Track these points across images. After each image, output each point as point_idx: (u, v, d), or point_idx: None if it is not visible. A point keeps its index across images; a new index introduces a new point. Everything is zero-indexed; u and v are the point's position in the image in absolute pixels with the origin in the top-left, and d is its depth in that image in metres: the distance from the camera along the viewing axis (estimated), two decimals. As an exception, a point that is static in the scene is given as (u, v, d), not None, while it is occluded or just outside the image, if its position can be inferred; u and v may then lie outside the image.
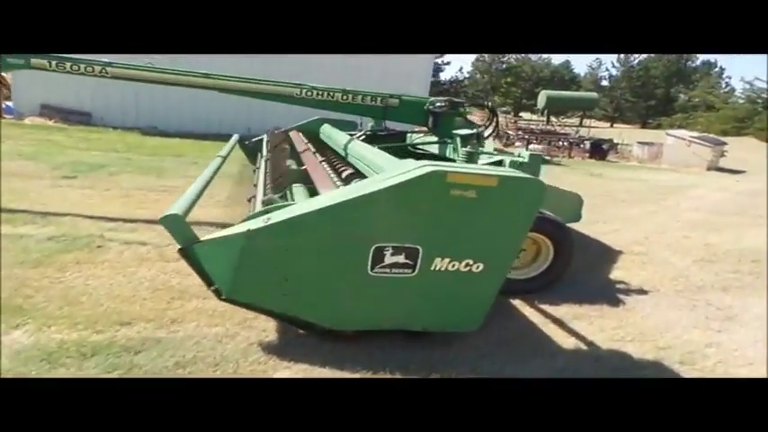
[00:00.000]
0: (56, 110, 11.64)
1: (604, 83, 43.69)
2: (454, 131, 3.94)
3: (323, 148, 5.27)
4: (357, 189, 2.38)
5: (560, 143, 15.95)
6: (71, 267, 3.32)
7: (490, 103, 4.98)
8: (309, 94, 4.85)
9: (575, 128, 19.74)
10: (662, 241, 5.76)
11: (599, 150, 14.78)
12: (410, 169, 2.36)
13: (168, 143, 10.51)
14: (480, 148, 3.79)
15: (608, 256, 5.01)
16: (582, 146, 15.82)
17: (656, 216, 7.31)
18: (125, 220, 4.53)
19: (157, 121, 12.42)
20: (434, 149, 5.28)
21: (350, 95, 4.91)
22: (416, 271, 2.40)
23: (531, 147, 15.26)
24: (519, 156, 3.95)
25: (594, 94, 19.64)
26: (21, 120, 11.25)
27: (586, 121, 22.53)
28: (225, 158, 4.23)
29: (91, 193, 5.50)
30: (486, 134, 5.09)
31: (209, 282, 2.33)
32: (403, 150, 5.57)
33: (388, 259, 2.39)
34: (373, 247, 2.37)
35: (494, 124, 5.08)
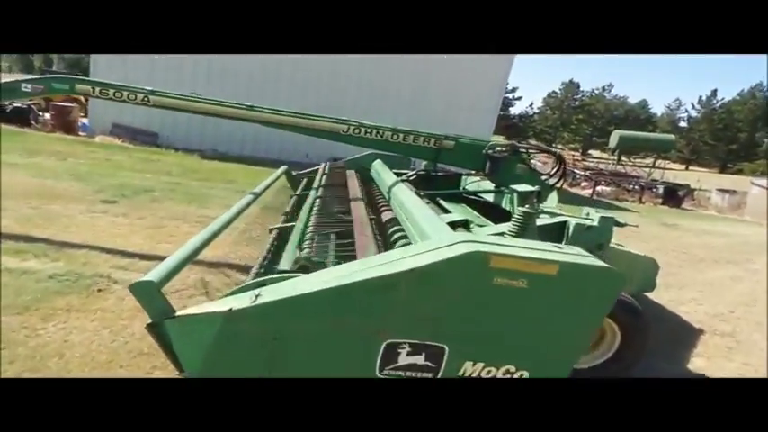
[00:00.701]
0: (125, 129, 11.94)
1: (683, 124, 41.24)
2: (512, 186, 3.37)
3: (372, 187, 4.81)
4: (370, 267, 1.84)
5: (631, 186, 14.78)
6: (58, 316, 2.96)
7: (557, 151, 4.34)
8: (357, 131, 4.41)
9: (647, 169, 18.46)
10: (751, 318, 4.84)
11: (673, 197, 13.53)
12: (442, 245, 1.81)
13: (224, 168, 10.46)
14: (541, 206, 3.18)
15: (685, 335, 4.18)
16: (654, 190, 14.59)
17: (741, 283, 6.31)
18: (143, 257, 4.22)
19: (220, 144, 12.50)
20: (489, 197, 4.69)
21: (400, 135, 4.43)
22: (438, 375, 1.82)
23: (598, 189, 14.27)
24: (587, 217, 3.30)
25: (672, 137, 18.23)
26: (92, 138, 11.61)
27: (660, 163, 21.06)
28: (258, 196, 3.80)
29: (122, 222, 5.28)
30: (551, 183, 4.49)
31: (178, 366, 1.83)
32: (456, 197, 5.03)
33: (403, 359, 1.82)
34: (385, 343, 1.80)
35: (560, 173, 4.45)
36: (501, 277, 1.75)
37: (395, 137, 4.40)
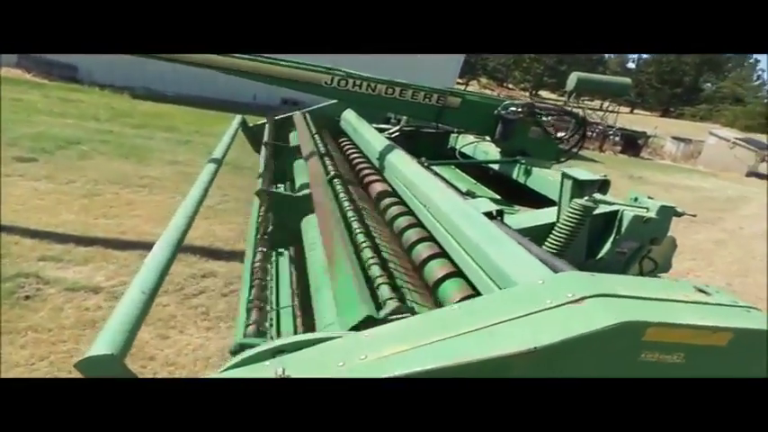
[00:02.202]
0: (36, 61, 10.15)
1: (631, 65, 41.54)
2: (566, 171, 2.75)
3: (344, 143, 4.00)
4: (448, 334, 1.17)
5: (590, 134, 14.59)
6: None
7: (580, 113, 3.73)
8: (343, 83, 3.56)
9: (599, 113, 18.45)
10: (750, 292, 4.65)
11: (633, 145, 13.49)
12: (560, 301, 1.19)
13: (160, 110, 9.18)
14: (599, 196, 2.60)
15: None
16: (612, 138, 14.51)
17: (725, 248, 6.20)
18: (79, 241, 3.33)
19: (152, 82, 10.96)
20: (494, 166, 4.06)
21: (396, 89, 3.63)
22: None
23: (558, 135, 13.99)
24: (637, 203, 2.75)
25: (628, 80, 18.07)
26: (-7, 70, 9.82)
27: (608, 106, 21.19)
28: (220, 163, 2.91)
29: (46, 188, 4.26)
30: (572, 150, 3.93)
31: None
32: (442, 157, 4.34)
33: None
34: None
35: (580, 137, 3.88)
36: (652, 352, 1.18)
37: (389, 91, 3.60)
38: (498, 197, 3.87)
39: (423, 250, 1.84)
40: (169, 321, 2.68)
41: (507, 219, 2.73)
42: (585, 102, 24.87)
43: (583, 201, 2.31)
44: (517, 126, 3.69)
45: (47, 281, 2.78)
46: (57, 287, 2.74)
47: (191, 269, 3.26)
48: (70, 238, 3.38)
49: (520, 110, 3.63)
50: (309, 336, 1.32)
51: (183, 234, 1.78)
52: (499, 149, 3.94)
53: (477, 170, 4.41)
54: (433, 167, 4.43)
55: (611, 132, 14.56)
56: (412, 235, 1.97)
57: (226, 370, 1.23)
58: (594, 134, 14.61)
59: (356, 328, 1.36)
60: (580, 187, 2.60)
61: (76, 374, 1.29)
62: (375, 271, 1.57)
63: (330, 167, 2.75)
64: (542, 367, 1.13)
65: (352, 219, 2.01)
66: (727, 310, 1.27)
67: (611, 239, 2.63)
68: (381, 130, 4.99)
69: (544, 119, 3.85)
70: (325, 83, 3.52)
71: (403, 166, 2.81)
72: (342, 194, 2.33)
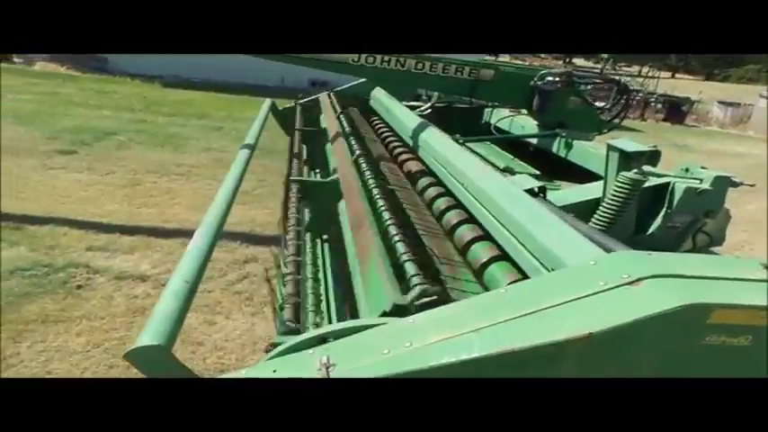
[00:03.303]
0: (68, 54, 10.37)
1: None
2: (611, 142, 2.62)
3: (375, 122, 3.89)
4: (499, 320, 1.10)
5: (632, 101, 14.03)
6: (31, 333, 2.23)
7: (621, 79, 3.54)
8: (371, 60, 3.47)
9: (639, 79, 17.69)
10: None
11: (676, 112, 12.88)
12: (616, 283, 1.11)
13: (191, 98, 9.27)
14: (649, 168, 2.46)
15: None
16: (653, 105, 13.90)
17: (782, 217, 5.86)
18: (123, 230, 3.40)
19: (181, 69, 11.06)
20: (532, 141, 3.92)
21: (427, 64, 3.52)
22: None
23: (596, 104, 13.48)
24: (689, 173, 2.60)
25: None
26: (30, 66, 10.09)
27: (647, 71, 20.22)
28: (253, 149, 2.88)
29: (88, 180, 4.36)
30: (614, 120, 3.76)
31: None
32: (476, 133, 4.21)
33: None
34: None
35: (622, 106, 3.70)
36: (716, 334, 1.10)
37: (419, 66, 3.48)
38: (538, 173, 3.73)
39: (465, 232, 1.74)
40: (215, 307, 2.72)
41: (550, 195, 2.63)
42: (623, 68, 23.92)
43: (631, 174, 2.19)
44: (555, 97, 3.54)
45: (96, 270, 2.85)
46: (106, 276, 2.81)
47: (233, 255, 3.29)
48: (115, 227, 3.45)
49: (557, 79, 3.47)
50: (352, 323, 1.28)
51: (221, 221, 1.76)
52: (537, 123, 3.80)
53: (515, 145, 4.28)
54: (468, 144, 4.33)
55: (652, 99, 13.94)
56: (452, 217, 1.86)
57: (270, 359, 1.21)
58: (635, 102, 14.05)
59: (386, 315, 1.31)
60: (628, 159, 2.47)
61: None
62: (400, 248, 1.50)
63: (356, 147, 2.64)
64: (599, 354, 1.07)
65: (378, 197, 1.93)
66: None
67: (663, 213, 2.50)
68: (412, 108, 4.88)
69: (583, 88, 3.67)
70: (353, 60, 3.43)
71: (438, 144, 2.71)
72: (367, 173, 2.22)
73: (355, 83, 5.09)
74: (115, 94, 8.70)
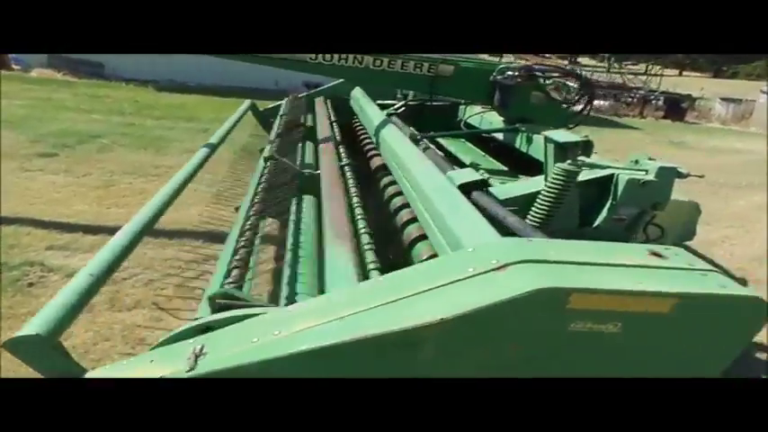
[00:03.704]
0: (65, 60, 10.52)
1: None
2: (546, 133, 2.59)
3: (354, 121, 3.98)
4: (371, 305, 1.12)
5: (630, 99, 13.86)
6: None
7: (583, 73, 3.51)
8: (329, 58, 3.48)
9: (642, 77, 17.51)
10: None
11: (676, 109, 12.71)
12: (487, 268, 1.11)
13: (184, 101, 9.35)
14: (583, 159, 2.42)
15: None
16: (654, 102, 13.73)
17: (769, 213, 5.74)
18: (87, 230, 3.43)
19: (176, 74, 11.17)
20: (500, 136, 3.90)
21: (384, 61, 3.51)
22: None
23: (595, 104, 13.35)
24: (637, 165, 2.56)
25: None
26: (27, 72, 10.25)
27: (653, 68, 19.95)
28: (214, 149, 2.95)
29: (63, 182, 4.41)
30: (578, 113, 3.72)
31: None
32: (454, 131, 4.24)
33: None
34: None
35: (586, 101, 3.66)
36: (582, 321, 1.09)
37: (377, 63, 3.49)
38: (504, 168, 3.72)
39: (403, 216, 1.99)
40: (165, 304, 2.73)
41: (497, 188, 2.62)
42: (629, 66, 23.63)
43: (565, 165, 2.17)
44: (515, 92, 3.51)
45: (51, 268, 2.88)
46: (60, 274, 2.83)
47: (194, 254, 3.30)
48: (80, 227, 3.48)
49: (516, 74, 3.45)
50: (235, 312, 1.29)
51: (149, 221, 1.79)
52: (503, 118, 3.78)
53: (487, 142, 4.26)
54: (441, 140, 4.33)
55: (652, 97, 13.79)
56: (396, 203, 2.13)
57: (155, 348, 1.22)
58: (634, 99, 13.90)
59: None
60: (563, 151, 2.44)
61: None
62: (364, 239, 1.73)
63: (343, 155, 2.88)
64: (456, 339, 1.06)
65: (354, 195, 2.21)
66: (677, 274, 1.15)
67: (608, 206, 2.47)
68: (387, 106, 4.90)
69: (546, 82, 3.64)
70: (310, 59, 3.44)
71: (392, 141, 2.85)
72: (350, 180, 2.43)
73: (334, 83, 5.11)
74: (107, 98, 8.81)
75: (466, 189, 2.41)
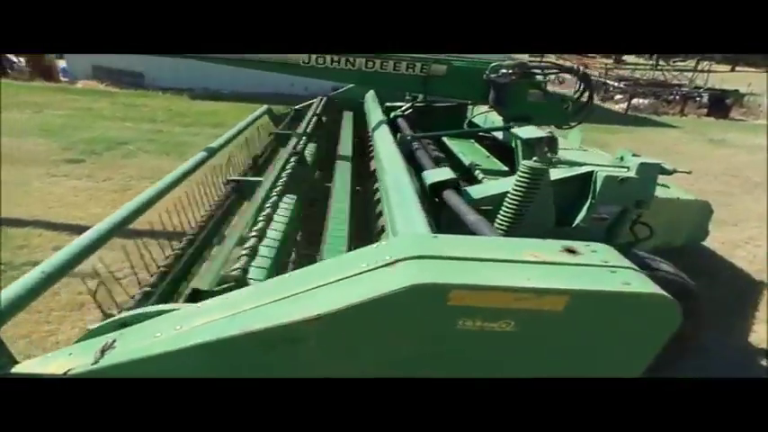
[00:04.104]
0: (107, 71, 11.07)
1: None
2: (513, 130, 2.54)
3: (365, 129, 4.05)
4: (266, 301, 1.14)
5: (671, 97, 13.28)
6: None
7: (580, 68, 3.40)
8: (321, 61, 3.52)
9: (689, 74, 16.71)
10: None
11: (720, 106, 12.06)
12: (378, 264, 1.11)
13: (215, 109, 9.65)
14: (554, 157, 2.34)
15: (743, 294, 3.39)
16: (698, 99, 13.09)
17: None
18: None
19: (210, 82, 11.54)
20: (499, 133, 3.85)
21: (377, 62, 3.52)
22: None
23: (634, 102, 12.88)
24: (620, 162, 2.46)
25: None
26: (73, 83, 10.85)
27: (703, 65, 18.99)
28: (212, 153, 3.02)
29: (83, 187, 4.64)
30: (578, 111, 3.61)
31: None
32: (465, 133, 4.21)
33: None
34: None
35: (586, 98, 3.54)
36: (469, 319, 1.06)
37: (369, 65, 3.50)
38: (504, 168, 3.66)
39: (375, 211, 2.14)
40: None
41: (474, 188, 2.59)
42: (677, 63, 22.68)
43: (531, 162, 2.12)
44: (510, 90, 3.44)
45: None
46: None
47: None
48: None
49: (510, 71, 3.38)
50: (151, 308, 1.33)
51: (117, 224, 1.86)
52: (500, 116, 3.72)
53: (493, 141, 4.22)
54: (447, 141, 4.30)
55: (695, 94, 13.16)
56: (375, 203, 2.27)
57: (77, 341, 1.27)
58: (676, 97, 13.31)
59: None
60: (530, 147, 2.37)
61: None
62: None
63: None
64: (335, 336, 1.06)
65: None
66: (580, 271, 1.11)
67: (587, 205, 2.39)
68: (394, 108, 4.91)
69: (542, 78, 3.55)
70: (303, 62, 3.49)
71: (379, 144, 2.93)
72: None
73: (346, 87, 5.16)
74: (144, 107, 9.20)
75: (437, 188, 2.40)
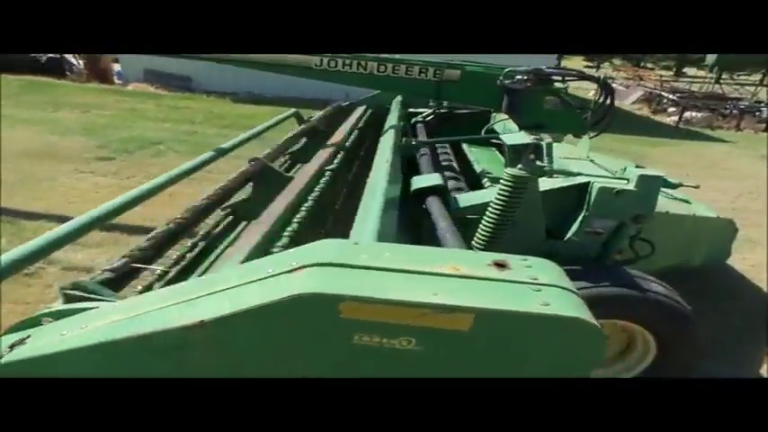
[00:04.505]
0: (158, 75, 11.53)
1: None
2: (502, 136, 2.39)
3: None
4: (167, 304, 1.08)
5: (728, 111, 12.50)
6: None
7: (601, 77, 3.20)
8: (333, 64, 3.47)
9: (751, 89, 15.76)
10: None
11: (782, 121, 11.27)
12: (282, 269, 1.03)
13: (254, 112, 9.82)
14: (547, 165, 2.16)
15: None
16: (757, 114, 12.28)
17: None
18: (102, 227, 3.66)
19: (254, 86, 11.81)
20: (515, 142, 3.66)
21: (389, 65, 3.44)
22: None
23: (687, 115, 12.22)
24: (622, 173, 2.26)
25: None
26: (125, 86, 11.34)
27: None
28: (222, 153, 3.03)
29: (106, 183, 4.79)
30: (596, 122, 3.41)
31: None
32: (485, 140, 4.07)
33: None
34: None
35: (607, 106, 3.33)
36: (368, 334, 0.95)
37: (381, 68, 3.42)
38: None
39: None
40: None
41: (463, 195, 2.46)
42: (741, 77, 21.49)
43: (515, 170, 1.97)
44: (525, 96, 3.28)
45: (51, 261, 3.10)
46: (57, 266, 3.05)
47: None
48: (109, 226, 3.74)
49: (525, 77, 3.22)
50: (78, 305, 1.30)
51: (103, 216, 1.86)
52: (516, 124, 3.56)
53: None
54: (465, 148, 4.18)
55: (755, 109, 12.35)
56: None
57: (4, 334, 1.26)
58: (732, 111, 12.52)
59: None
60: (513, 152, 2.21)
61: None
62: None
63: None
64: (219, 344, 1.00)
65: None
66: (500, 288, 1.01)
67: (581, 218, 2.22)
68: (416, 114, 4.83)
69: (559, 85, 3.37)
70: (315, 65, 3.45)
71: (378, 149, 2.89)
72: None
73: (373, 94, 5.13)
74: (186, 109, 9.49)
75: (421, 194, 2.29)
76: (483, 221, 2.05)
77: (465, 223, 2.17)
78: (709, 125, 11.62)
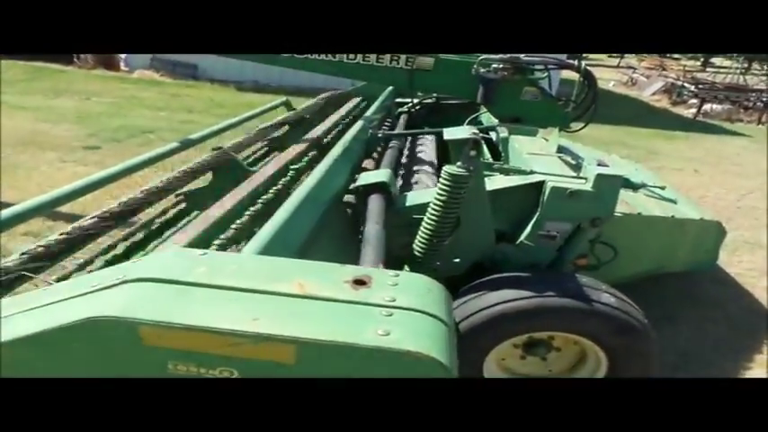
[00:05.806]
0: (164, 62, 11.46)
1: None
2: (445, 129, 2.20)
3: None
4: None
5: (750, 103, 11.97)
6: None
7: (582, 65, 2.98)
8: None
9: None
10: None
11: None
12: (110, 282, 0.91)
13: (256, 101, 9.68)
14: (491, 161, 1.97)
15: (755, 335, 2.86)
16: (780, 107, 11.72)
17: None
18: (74, 218, 3.58)
19: (259, 76, 11.70)
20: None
21: (359, 54, 3.28)
22: None
23: (707, 107, 11.74)
24: (579, 171, 2.06)
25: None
26: (131, 73, 11.32)
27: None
28: (191, 144, 2.97)
29: (86, 172, 4.65)
30: (578, 114, 3.23)
31: None
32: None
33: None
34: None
35: (590, 98, 3.12)
36: (182, 363, 0.84)
37: (350, 56, 3.25)
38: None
39: None
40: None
41: (411, 194, 2.31)
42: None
43: (453, 167, 1.80)
44: (501, 87, 3.09)
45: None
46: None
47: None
48: (68, 216, 3.65)
49: (501, 66, 3.02)
50: None
51: (42, 206, 1.75)
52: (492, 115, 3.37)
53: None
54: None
55: (779, 100, 11.80)
56: None
57: None
58: (756, 103, 11.99)
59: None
60: (456, 146, 2.02)
61: None
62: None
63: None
64: (24, 364, 0.92)
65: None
66: (341, 312, 0.89)
67: (533, 219, 2.03)
68: (402, 104, 4.69)
69: (539, 75, 3.16)
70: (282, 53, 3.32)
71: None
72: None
73: (360, 85, 4.98)
74: (187, 97, 9.41)
75: (365, 190, 2.13)
76: (422, 224, 1.89)
77: (412, 224, 2.01)
78: (728, 117, 11.14)
